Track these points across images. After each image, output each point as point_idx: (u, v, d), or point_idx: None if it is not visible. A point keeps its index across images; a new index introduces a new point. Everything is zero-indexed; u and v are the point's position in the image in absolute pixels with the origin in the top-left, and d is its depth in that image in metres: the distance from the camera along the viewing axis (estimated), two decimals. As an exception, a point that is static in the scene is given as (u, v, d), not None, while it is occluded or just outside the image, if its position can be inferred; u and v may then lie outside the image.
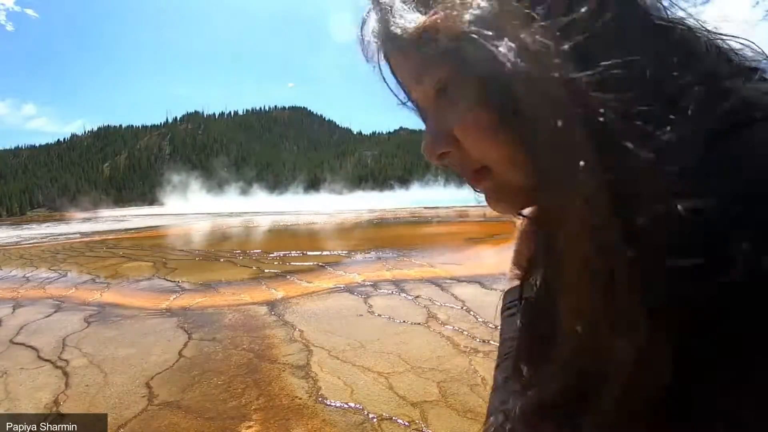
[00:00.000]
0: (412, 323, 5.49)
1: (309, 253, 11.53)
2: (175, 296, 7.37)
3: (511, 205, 0.57)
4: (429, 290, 7.05)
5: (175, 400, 3.79)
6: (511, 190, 0.53)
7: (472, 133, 0.50)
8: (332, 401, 3.68)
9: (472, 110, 0.49)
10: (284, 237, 15.70)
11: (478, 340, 4.86)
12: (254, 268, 9.60)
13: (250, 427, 3.34)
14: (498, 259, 9.56)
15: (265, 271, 9.26)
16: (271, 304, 6.56)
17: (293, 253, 11.49)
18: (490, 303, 6.12)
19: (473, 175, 0.54)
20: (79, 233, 24.98)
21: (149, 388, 4.02)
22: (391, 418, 3.39)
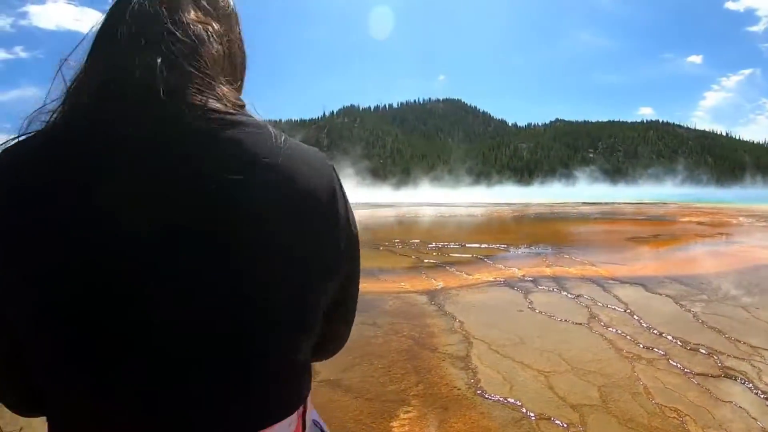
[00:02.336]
0: (573, 323, 5.23)
1: (467, 245, 11.45)
2: (337, 281, 7.66)
3: None
4: (590, 289, 6.67)
5: (336, 378, 3.94)
6: None
7: None
8: (491, 395, 3.59)
9: None
10: (441, 228, 15.77)
11: (641, 346, 4.51)
12: (413, 257, 9.75)
13: (408, 411, 3.37)
14: (662, 261, 8.88)
15: (424, 261, 9.35)
16: (431, 294, 6.59)
17: (451, 245, 11.48)
18: (654, 307, 5.77)
19: None
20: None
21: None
22: (550, 419, 3.25)
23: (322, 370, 4.11)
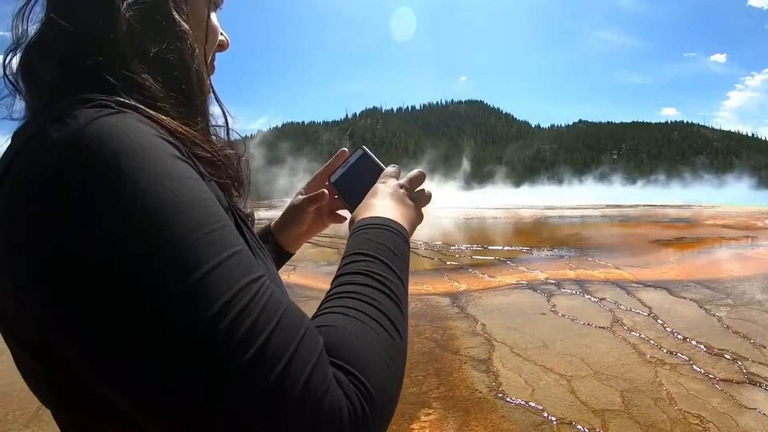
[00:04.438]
0: (596, 326, 5.22)
1: (490, 247, 11.42)
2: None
3: None
4: (614, 293, 6.63)
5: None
6: None
7: None
8: (512, 398, 3.61)
9: None
10: (463, 230, 15.72)
11: (664, 350, 4.49)
12: (436, 259, 9.76)
13: (429, 414, 3.41)
14: (686, 264, 8.76)
15: (447, 263, 9.36)
16: (453, 296, 6.62)
17: (474, 247, 11.47)
18: (678, 311, 5.72)
19: None
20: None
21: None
22: (571, 423, 3.26)
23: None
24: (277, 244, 1.03)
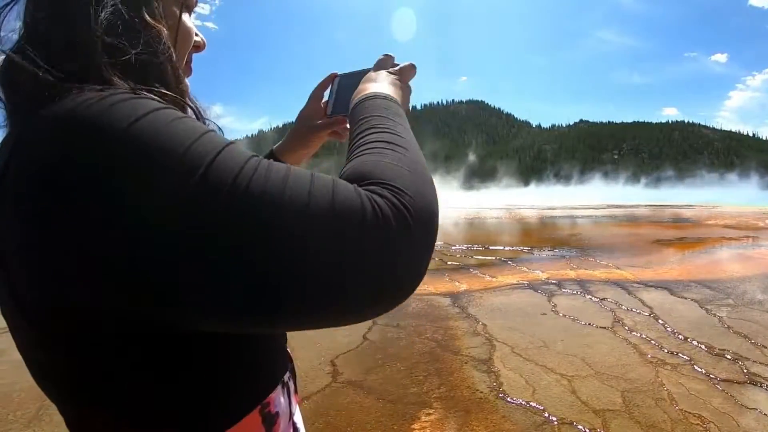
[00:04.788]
0: (597, 326, 5.22)
1: (491, 247, 11.43)
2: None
3: None
4: (615, 293, 6.64)
5: (359, 380, 4.00)
6: None
7: None
8: (513, 398, 3.61)
9: None
10: (464, 231, 15.73)
11: (665, 351, 4.49)
12: (437, 259, 9.76)
13: (430, 414, 3.41)
14: (687, 265, 8.77)
15: (448, 263, 9.37)
16: (454, 296, 6.62)
17: (475, 247, 11.47)
18: (679, 312, 5.72)
19: None
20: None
21: (334, 366, 4.29)
22: (572, 423, 3.25)
23: (344, 371, 4.17)
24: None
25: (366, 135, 0.65)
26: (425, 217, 0.55)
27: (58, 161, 0.46)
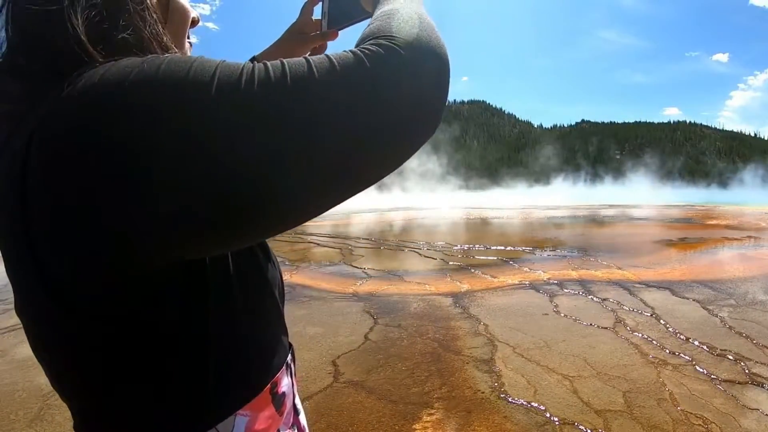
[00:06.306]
0: (599, 327, 5.21)
1: (492, 247, 11.42)
2: (361, 282, 7.75)
3: None
4: (616, 293, 6.63)
5: (360, 380, 4.00)
6: None
7: None
8: (515, 399, 3.61)
9: None
10: (467, 231, 15.70)
11: (667, 351, 4.48)
12: (438, 259, 9.76)
13: (431, 414, 3.41)
14: (689, 265, 8.74)
15: (449, 263, 9.36)
16: (456, 296, 6.62)
17: (476, 247, 11.46)
18: (681, 312, 5.70)
19: None
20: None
21: (335, 366, 4.29)
22: (574, 424, 3.25)
23: (345, 371, 4.17)
24: None
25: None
26: (418, 45, 0.58)
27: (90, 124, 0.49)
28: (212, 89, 0.49)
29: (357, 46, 0.58)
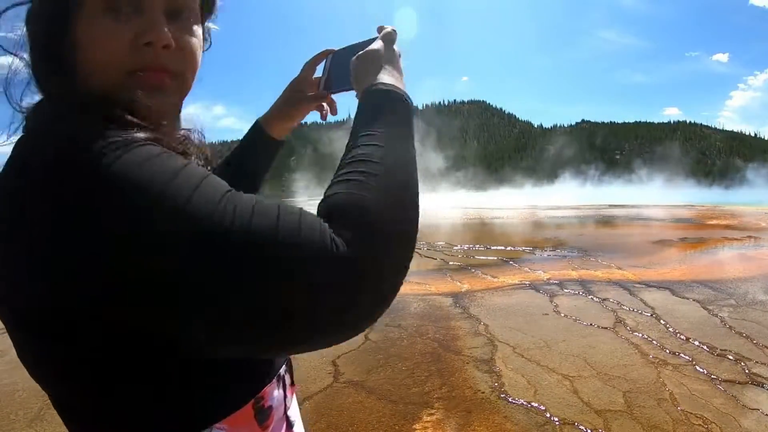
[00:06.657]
0: (599, 327, 5.21)
1: (492, 247, 11.42)
2: (364, 283, 7.68)
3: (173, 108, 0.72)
4: (616, 293, 6.63)
5: (360, 380, 4.00)
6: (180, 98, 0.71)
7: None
8: (515, 399, 3.61)
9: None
10: (466, 231, 15.71)
11: (667, 351, 4.48)
12: (438, 259, 9.76)
13: (432, 414, 3.41)
14: (689, 265, 8.74)
15: (450, 263, 9.36)
16: (456, 296, 6.62)
17: (476, 247, 11.47)
18: (681, 312, 5.70)
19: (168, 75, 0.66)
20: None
21: (335, 366, 4.29)
22: (574, 424, 3.25)
23: (345, 371, 4.17)
24: (270, 137, 1.15)
25: (354, 150, 0.64)
26: (384, 254, 0.57)
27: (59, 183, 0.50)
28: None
29: (326, 209, 0.57)
